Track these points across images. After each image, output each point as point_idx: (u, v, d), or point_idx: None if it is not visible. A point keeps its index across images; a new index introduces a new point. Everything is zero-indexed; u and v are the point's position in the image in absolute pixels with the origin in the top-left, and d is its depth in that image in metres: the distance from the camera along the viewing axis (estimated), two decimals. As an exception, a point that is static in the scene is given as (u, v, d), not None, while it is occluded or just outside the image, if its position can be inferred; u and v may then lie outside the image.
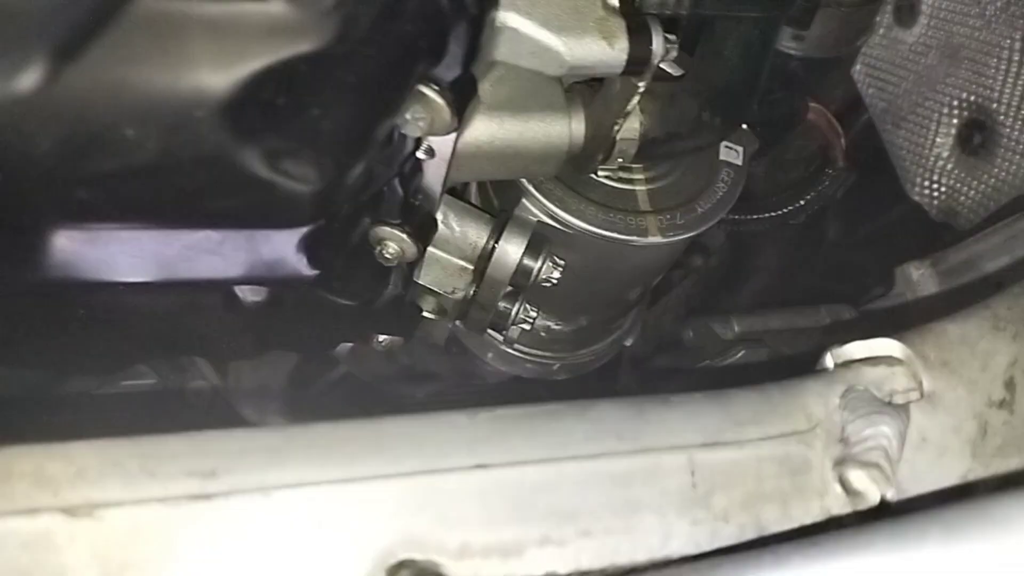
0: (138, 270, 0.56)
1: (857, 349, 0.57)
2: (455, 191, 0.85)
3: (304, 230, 0.57)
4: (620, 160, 0.76)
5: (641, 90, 0.67)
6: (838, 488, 0.50)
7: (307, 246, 0.59)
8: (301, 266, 0.61)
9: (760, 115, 0.97)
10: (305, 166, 0.41)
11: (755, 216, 1.08)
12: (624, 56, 0.61)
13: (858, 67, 1.34)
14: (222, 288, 0.64)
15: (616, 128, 0.70)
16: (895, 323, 0.71)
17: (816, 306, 1.13)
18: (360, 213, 0.65)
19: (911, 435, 0.52)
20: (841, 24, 1.09)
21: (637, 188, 0.84)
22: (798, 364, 0.58)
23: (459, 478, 0.44)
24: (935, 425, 0.53)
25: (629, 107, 0.68)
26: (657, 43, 0.62)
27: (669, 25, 0.70)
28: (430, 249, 0.82)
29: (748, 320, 1.08)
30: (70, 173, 0.40)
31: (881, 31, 1.29)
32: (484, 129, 0.70)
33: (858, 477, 0.49)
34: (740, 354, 0.96)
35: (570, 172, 0.80)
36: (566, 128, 0.72)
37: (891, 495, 0.49)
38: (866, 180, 1.37)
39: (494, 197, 0.88)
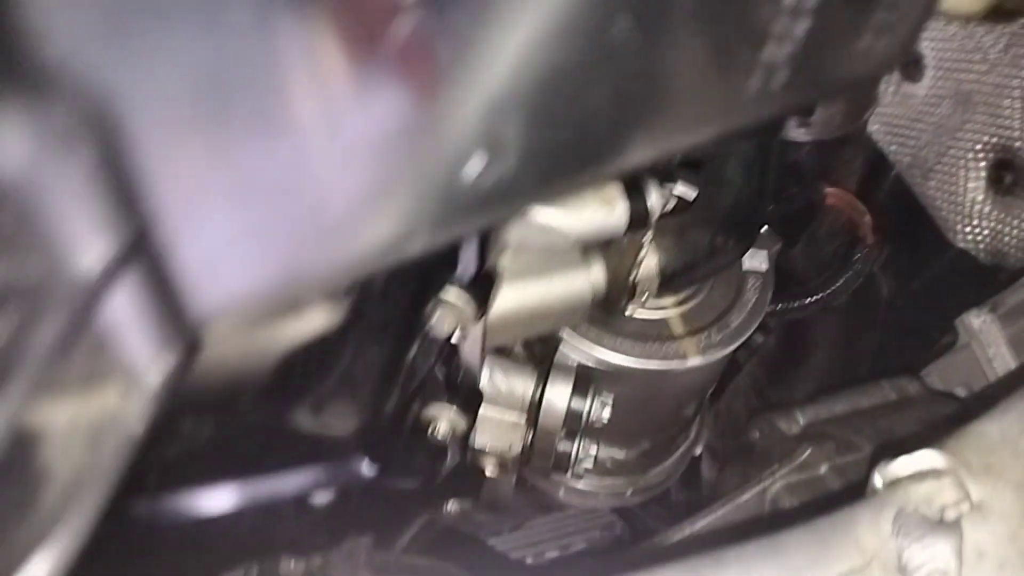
0: (217, 503, 0.61)
1: (903, 466, 0.58)
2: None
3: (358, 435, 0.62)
4: (645, 296, 0.79)
5: (648, 241, 0.70)
6: (905, 621, 0.50)
7: (364, 447, 0.63)
8: (361, 467, 0.65)
9: (778, 213, 0.99)
10: (344, 413, 0.45)
11: (797, 304, 1.09)
12: (625, 217, 0.65)
13: (876, 127, 1.35)
14: (292, 499, 0.68)
15: (633, 276, 0.74)
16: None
17: (878, 382, 1.11)
18: (409, 403, 0.69)
19: (967, 551, 0.52)
20: (847, 103, 1.12)
21: (669, 314, 0.87)
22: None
23: None
24: (989, 536, 0.53)
25: (640, 257, 0.72)
26: (653, 199, 0.66)
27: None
28: (481, 411, 0.85)
29: (812, 410, 1.07)
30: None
31: (891, 89, 1.31)
32: (510, 298, 0.74)
33: (923, 606, 0.50)
34: (807, 453, 0.96)
35: (600, 315, 0.83)
36: (586, 282, 0.75)
37: (959, 620, 0.49)
38: (908, 238, 1.37)
39: (536, 346, 0.91)
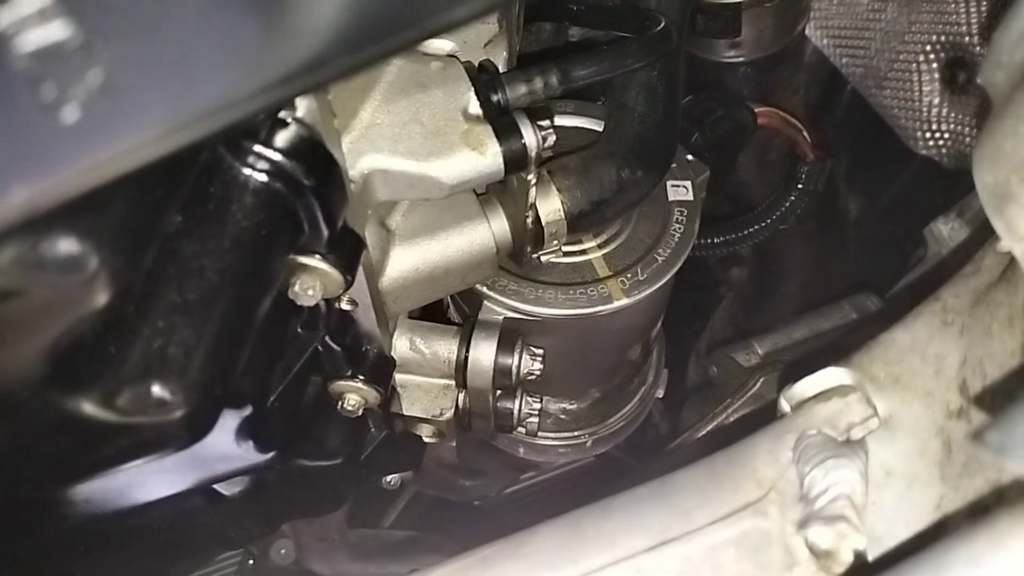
0: (98, 509, 0.58)
1: (807, 387, 0.54)
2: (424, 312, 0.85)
3: (235, 424, 0.59)
4: (556, 242, 0.75)
5: (533, 183, 0.66)
6: (806, 553, 0.47)
7: (246, 435, 0.60)
8: (250, 455, 0.62)
9: (705, 140, 0.94)
10: (158, 398, 0.42)
11: (747, 231, 1.04)
12: (500, 160, 0.61)
13: (825, 41, 1.30)
14: (195, 494, 0.65)
15: (528, 220, 0.70)
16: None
17: (838, 302, 1.07)
18: (302, 380, 0.66)
19: (874, 471, 0.48)
20: (775, 18, 1.06)
21: (591, 256, 0.83)
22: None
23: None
24: (898, 453, 0.49)
25: (530, 200, 0.68)
26: (529, 137, 0.62)
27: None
28: (407, 377, 0.82)
29: (771, 339, 1.03)
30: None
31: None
32: (406, 260, 0.70)
33: (823, 536, 0.46)
34: (759, 383, 0.92)
35: (517, 266, 0.79)
36: (487, 233, 0.71)
37: (863, 546, 0.46)
38: (871, 152, 1.31)
39: (463, 305, 0.88)
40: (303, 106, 0.49)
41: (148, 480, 0.58)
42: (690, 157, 0.89)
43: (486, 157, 0.60)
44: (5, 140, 0.19)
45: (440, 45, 0.66)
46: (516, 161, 0.62)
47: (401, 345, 0.79)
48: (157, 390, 0.41)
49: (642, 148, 0.75)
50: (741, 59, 1.06)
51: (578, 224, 0.74)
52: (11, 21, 0.18)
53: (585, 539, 0.47)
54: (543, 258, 0.79)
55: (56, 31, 0.19)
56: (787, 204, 1.05)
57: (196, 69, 0.26)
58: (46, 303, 0.35)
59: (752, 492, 0.48)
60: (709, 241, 1.04)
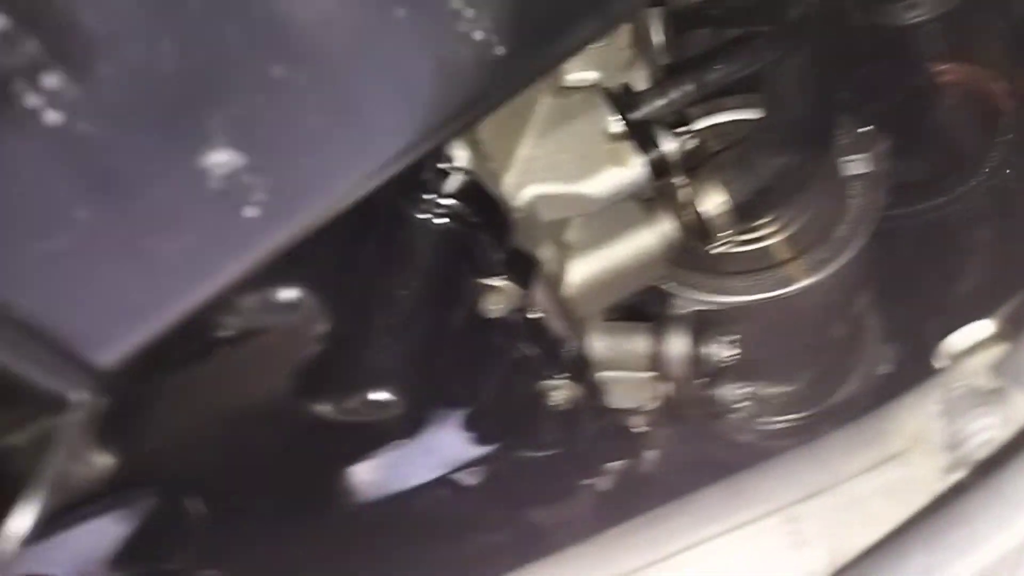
0: (361, 498, 0.74)
1: (958, 341, 0.55)
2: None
3: (458, 422, 0.71)
4: (726, 233, 0.80)
5: (685, 183, 0.72)
6: (955, 498, 0.49)
7: (469, 430, 0.72)
8: (475, 448, 0.74)
9: (883, 108, 0.93)
10: (378, 402, 0.54)
11: (947, 195, 1.01)
12: (643, 170, 0.68)
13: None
14: (438, 485, 0.79)
15: (691, 217, 0.76)
16: None
17: None
18: (511, 381, 0.77)
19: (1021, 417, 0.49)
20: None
21: (770, 241, 0.87)
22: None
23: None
24: (1047, 395, 0.49)
25: (687, 199, 0.74)
26: (667, 145, 0.68)
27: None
28: (610, 374, 0.90)
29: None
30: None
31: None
32: (584, 270, 0.79)
33: (970, 479, 0.48)
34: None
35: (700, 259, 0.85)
36: (652, 236, 0.78)
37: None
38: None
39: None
40: (461, 157, 0.61)
41: (397, 472, 0.72)
42: (866, 128, 0.89)
43: (630, 170, 0.68)
44: (205, 234, 0.31)
45: (584, 76, 0.75)
46: (660, 168, 0.69)
47: (599, 345, 0.88)
48: (375, 396, 0.54)
49: (796, 131, 0.78)
50: (923, 18, 1.02)
51: (743, 214, 0.78)
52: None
53: (742, 496, 0.53)
54: (720, 249, 0.84)
55: (234, 158, 0.30)
56: (990, 159, 1.00)
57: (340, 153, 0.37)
58: (284, 336, 0.49)
59: (896, 444, 0.51)
60: (908, 209, 1.02)
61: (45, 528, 0.40)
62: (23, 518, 0.34)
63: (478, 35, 0.34)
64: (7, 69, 0.25)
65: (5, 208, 0.28)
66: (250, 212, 0.33)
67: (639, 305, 0.92)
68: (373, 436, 0.58)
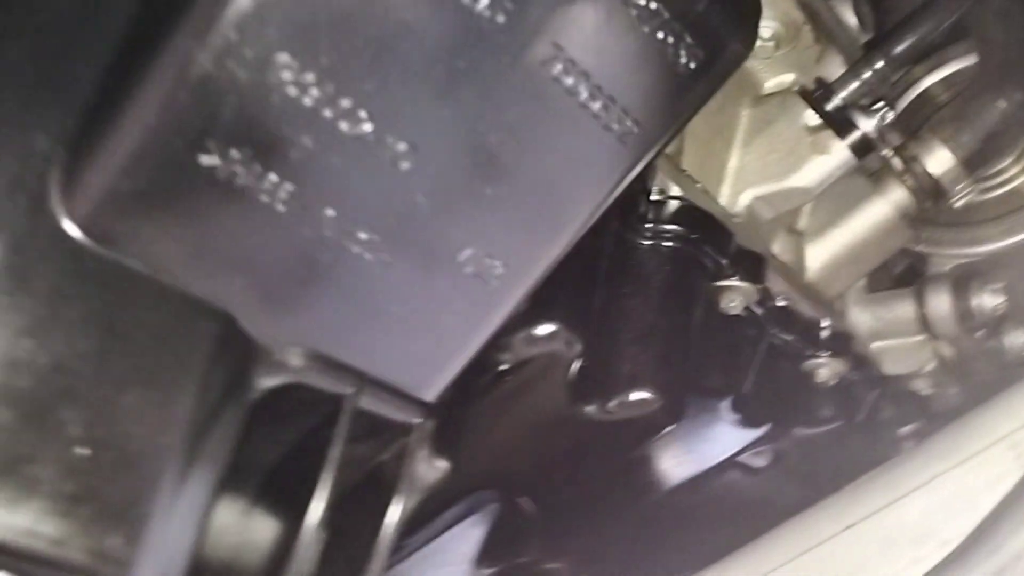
0: (662, 487, 0.86)
1: None
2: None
3: (724, 410, 0.81)
4: (962, 186, 0.81)
5: (892, 155, 0.76)
6: None
7: (735, 416, 0.82)
8: (746, 432, 0.83)
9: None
10: (638, 401, 0.66)
11: None
12: (847, 153, 0.74)
13: None
14: (726, 469, 0.88)
15: (920, 180, 0.79)
16: None
17: None
18: (771, 367, 0.85)
19: None
20: None
21: (1018, 181, 0.85)
22: None
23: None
24: None
25: (904, 165, 0.78)
26: (865, 124, 0.73)
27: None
28: (882, 343, 0.93)
29: None
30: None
31: None
32: (822, 252, 0.85)
33: None
34: None
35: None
36: (886, 204, 0.82)
37: None
38: None
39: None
40: (671, 187, 0.72)
41: (683, 462, 0.84)
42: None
43: (834, 156, 0.74)
44: (468, 303, 0.47)
45: (780, 80, 0.81)
46: (863, 147, 0.74)
47: (864, 318, 0.92)
48: (633, 396, 0.67)
49: (1014, 70, 0.78)
50: None
51: (975, 163, 0.79)
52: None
53: (967, 431, 0.57)
54: (964, 201, 0.85)
55: (477, 252, 0.46)
56: None
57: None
58: (550, 358, 0.64)
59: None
60: None
61: (412, 524, 0.58)
62: (398, 508, 0.52)
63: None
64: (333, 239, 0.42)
65: (378, 317, 0.45)
66: (494, 283, 0.48)
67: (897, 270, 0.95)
68: (643, 428, 0.71)
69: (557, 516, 0.90)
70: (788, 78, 0.82)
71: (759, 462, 0.92)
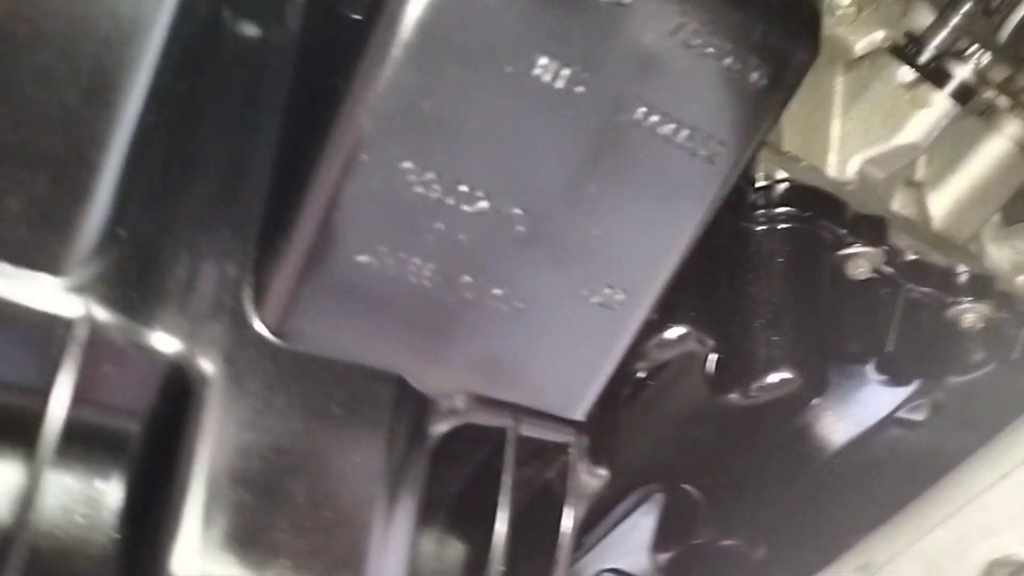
0: (829, 452, 0.88)
1: None
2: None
3: (870, 372, 0.82)
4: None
5: (998, 94, 0.75)
6: None
7: (883, 376, 0.83)
8: (896, 390, 0.84)
9: None
10: (780, 382, 0.70)
11: None
12: (949, 102, 0.74)
13: None
14: (887, 426, 0.90)
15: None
16: None
17: None
18: (911, 322, 0.86)
19: None
20: None
21: None
22: None
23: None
24: None
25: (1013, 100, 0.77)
26: (963, 72, 0.73)
27: None
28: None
29: None
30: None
31: None
32: (945, 199, 0.85)
33: None
34: None
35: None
36: (1003, 141, 0.81)
37: None
38: None
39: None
40: (771, 170, 0.74)
41: (837, 429, 0.86)
42: None
43: (936, 107, 0.74)
44: (600, 330, 0.52)
45: (870, 40, 0.82)
46: (964, 92, 0.73)
47: (1004, 254, 0.91)
48: (772, 378, 0.70)
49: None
50: None
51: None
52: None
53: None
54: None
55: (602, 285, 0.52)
56: None
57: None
58: (686, 357, 0.68)
59: None
60: None
61: (586, 524, 0.64)
62: (570, 516, 0.59)
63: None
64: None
65: (523, 355, 0.52)
66: (618, 308, 0.53)
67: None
68: (790, 405, 0.74)
69: (723, 497, 0.94)
70: (877, 36, 0.82)
71: (918, 416, 0.92)
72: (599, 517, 0.86)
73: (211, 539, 0.45)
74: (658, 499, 0.95)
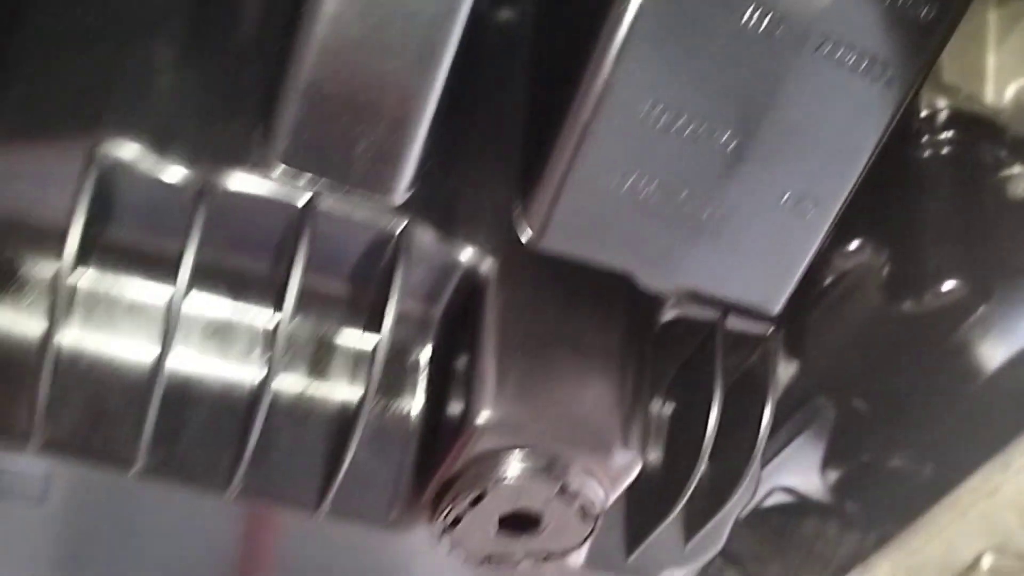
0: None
1: None
2: None
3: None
4: None
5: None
6: None
7: None
8: None
9: None
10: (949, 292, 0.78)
11: None
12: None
13: None
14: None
15: None
16: None
17: None
18: None
19: None
20: None
21: None
22: None
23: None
24: None
25: None
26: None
27: None
28: None
29: None
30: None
31: None
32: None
33: None
34: None
35: None
36: None
37: None
38: None
39: None
40: (934, 101, 0.82)
41: (1004, 342, 0.93)
42: None
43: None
44: (793, 235, 0.64)
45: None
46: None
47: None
48: (945, 286, 0.79)
49: None
50: None
51: None
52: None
53: None
54: None
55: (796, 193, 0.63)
56: None
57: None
58: (863, 268, 0.79)
59: None
60: None
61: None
62: (771, 396, 0.70)
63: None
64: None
65: (731, 254, 0.64)
66: (810, 216, 0.64)
67: None
68: (958, 313, 0.82)
69: (890, 413, 1.02)
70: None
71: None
72: (778, 424, 0.96)
73: (503, 394, 0.60)
74: (827, 417, 1.04)
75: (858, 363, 0.92)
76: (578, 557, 0.72)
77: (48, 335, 0.55)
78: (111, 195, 0.55)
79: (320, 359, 0.63)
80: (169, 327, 0.56)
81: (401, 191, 0.59)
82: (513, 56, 0.68)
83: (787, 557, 1.23)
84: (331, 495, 0.63)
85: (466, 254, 0.62)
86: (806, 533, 1.21)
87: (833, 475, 1.16)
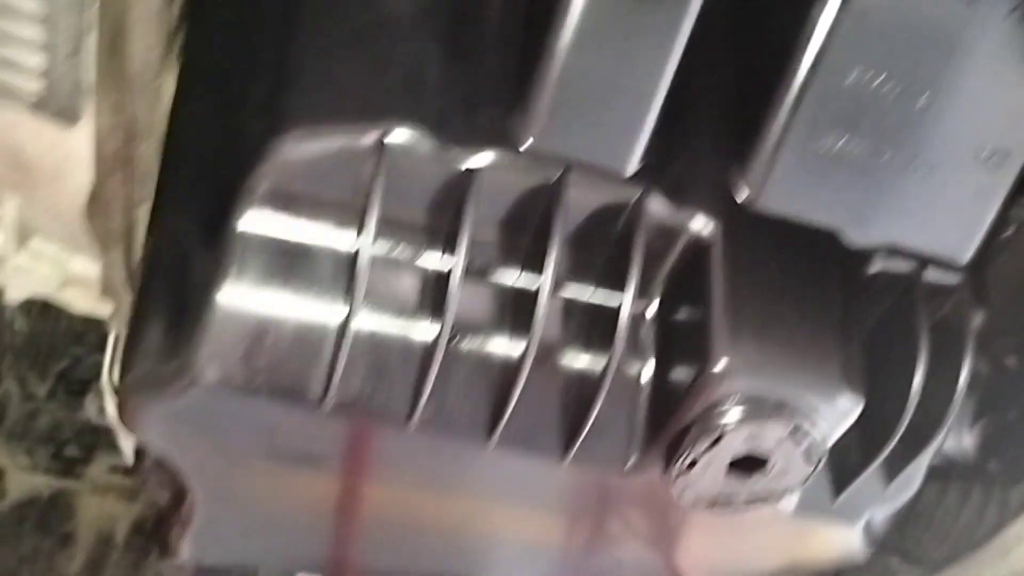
0: None
1: None
2: None
3: None
4: None
5: None
6: None
7: None
8: None
9: None
10: None
11: None
12: None
13: None
14: None
15: None
16: None
17: None
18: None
19: None
20: None
21: None
22: None
23: None
24: None
25: None
26: None
27: None
28: None
29: None
30: None
31: None
32: None
33: None
34: None
35: None
36: None
37: None
38: None
39: None
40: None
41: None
42: None
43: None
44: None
45: None
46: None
47: None
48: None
49: None
50: None
51: None
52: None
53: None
54: None
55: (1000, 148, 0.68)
56: None
57: None
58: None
59: None
60: None
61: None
62: (968, 350, 0.75)
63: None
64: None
65: (929, 207, 0.70)
66: (1002, 168, 0.69)
67: None
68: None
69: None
70: None
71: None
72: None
73: (738, 342, 0.66)
74: (980, 375, 1.07)
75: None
76: (791, 501, 0.77)
77: (350, 310, 0.63)
78: (395, 177, 0.63)
79: (573, 325, 0.70)
80: (449, 300, 0.64)
81: (635, 163, 0.66)
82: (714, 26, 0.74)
83: (934, 531, 1.24)
84: (577, 445, 0.69)
85: (693, 218, 0.68)
86: (949, 503, 1.23)
87: (980, 433, 1.17)
